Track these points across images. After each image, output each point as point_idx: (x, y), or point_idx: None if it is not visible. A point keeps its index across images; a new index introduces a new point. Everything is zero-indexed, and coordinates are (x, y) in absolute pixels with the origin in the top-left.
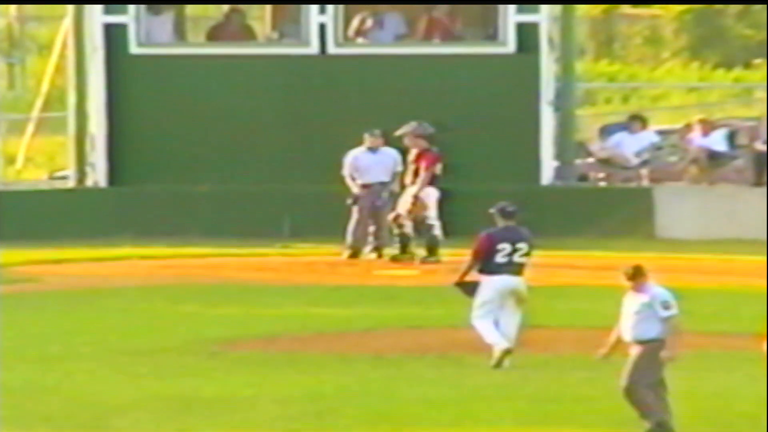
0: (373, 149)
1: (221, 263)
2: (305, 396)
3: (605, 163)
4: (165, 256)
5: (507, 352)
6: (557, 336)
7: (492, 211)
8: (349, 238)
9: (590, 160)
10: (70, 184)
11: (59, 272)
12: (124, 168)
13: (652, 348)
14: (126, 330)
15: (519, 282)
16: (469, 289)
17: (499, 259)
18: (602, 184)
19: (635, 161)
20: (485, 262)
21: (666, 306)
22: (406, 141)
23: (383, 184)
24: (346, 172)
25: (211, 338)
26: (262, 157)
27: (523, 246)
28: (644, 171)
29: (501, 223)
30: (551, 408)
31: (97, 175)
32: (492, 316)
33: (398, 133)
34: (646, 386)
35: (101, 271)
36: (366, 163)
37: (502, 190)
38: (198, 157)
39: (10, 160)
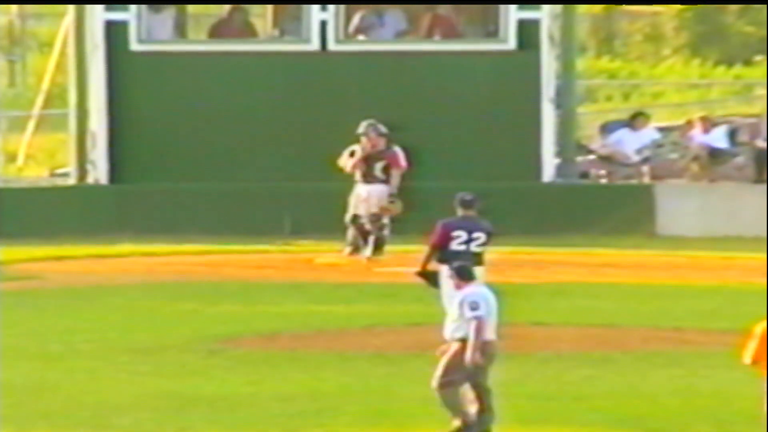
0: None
1: (222, 261)
2: (306, 394)
3: (606, 160)
4: (165, 254)
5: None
6: (558, 334)
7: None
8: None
9: (591, 157)
10: (71, 181)
11: (60, 270)
12: (125, 165)
13: (460, 348)
14: (126, 328)
15: (476, 273)
16: (431, 278)
17: (455, 246)
18: (603, 181)
19: (636, 158)
20: (442, 251)
21: (472, 307)
22: (365, 141)
23: None
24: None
25: (211, 336)
26: (263, 155)
27: (479, 235)
28: (645, 168)
29: (460, 212)
30: (551, 406)
31: (98, 172)
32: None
33: (361, 131)
34: (453, 386)
35: (102, 269)
36: None
37: (503, 188)
38: (199, 154)
39: (11, 158)
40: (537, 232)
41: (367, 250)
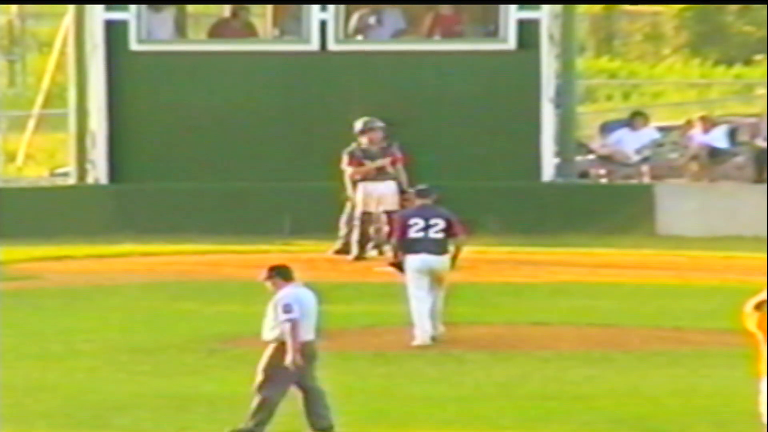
0: None
1: (221, 260)
2: None
3: (606, 160)
4: (165, 254)
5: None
6: (558, 333)
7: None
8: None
9: (591, 157)
10: (71, 181)
11: (59, 269)
12: (125, 165)
13: (275, 350)
14: (126, 327)
15: (436, 260)
16: (400, 267)
17: (413, 234)
18: (603, 181)
19: (636, 158)
20: (403, 241)
21: (285, 309)
22: (365, 138)
23: None
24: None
25: (211, 335)
26: (263, 154)
27: (437, 221)
28: (645, 168)
29: (418, 202)
30: (551, 406)
31: (98, 172)
32: (421, 295)
33: (361, 131)
34: (274, 389)
35: (101, 269)
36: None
37: (503, 187)
38: (198, 154)
39: (11, 157)
40: (537, 231)
41: (373, 248)
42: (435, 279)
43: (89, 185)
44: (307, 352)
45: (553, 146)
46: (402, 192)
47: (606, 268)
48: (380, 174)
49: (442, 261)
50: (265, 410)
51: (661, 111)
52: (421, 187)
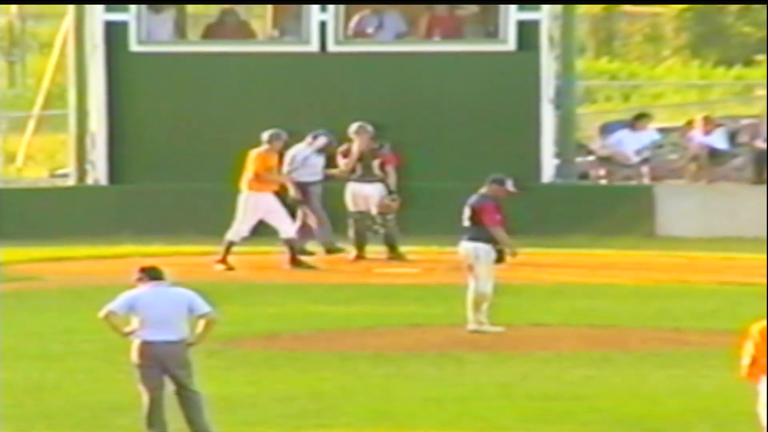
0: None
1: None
2: (306, 394)
3: (606, 161)
4: (165, 254)
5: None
6: (557, 334)
7: None
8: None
9: (591, 158)
10: (71, 182)
11: (60, 270)
12: (125, 166)
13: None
14: None
15: (462, 246)
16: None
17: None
18: (603, 182)
19: (636, 159)
20: None
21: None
22: (359, 142)
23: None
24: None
25: (211, 336)
26: None
27: (465, 209)
28: (645, 169)
29: None
30: (551, 406)
31: (98, 173)
32: (472, 283)
33: (354, 134)
34: (149, 392)
35: (102, 269)
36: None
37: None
38: (198, 154)
39: (11, 158)
40: (537, 232)
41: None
42: (471, 266)
43: (89, 186)
44: (151, 353)
45: (552, 147)
46: (390, 192)
47: (606, 269)
48: (367, 175)
49: (465, 247)
50: (146, 407)
51: (660, 112)
52: (488, 178)
